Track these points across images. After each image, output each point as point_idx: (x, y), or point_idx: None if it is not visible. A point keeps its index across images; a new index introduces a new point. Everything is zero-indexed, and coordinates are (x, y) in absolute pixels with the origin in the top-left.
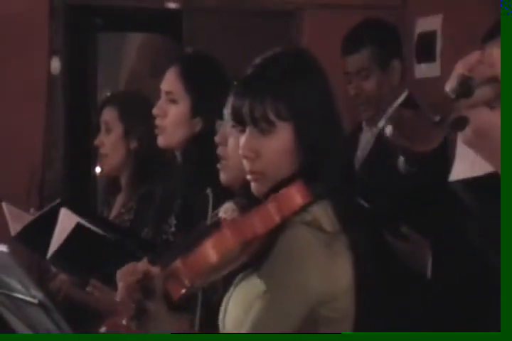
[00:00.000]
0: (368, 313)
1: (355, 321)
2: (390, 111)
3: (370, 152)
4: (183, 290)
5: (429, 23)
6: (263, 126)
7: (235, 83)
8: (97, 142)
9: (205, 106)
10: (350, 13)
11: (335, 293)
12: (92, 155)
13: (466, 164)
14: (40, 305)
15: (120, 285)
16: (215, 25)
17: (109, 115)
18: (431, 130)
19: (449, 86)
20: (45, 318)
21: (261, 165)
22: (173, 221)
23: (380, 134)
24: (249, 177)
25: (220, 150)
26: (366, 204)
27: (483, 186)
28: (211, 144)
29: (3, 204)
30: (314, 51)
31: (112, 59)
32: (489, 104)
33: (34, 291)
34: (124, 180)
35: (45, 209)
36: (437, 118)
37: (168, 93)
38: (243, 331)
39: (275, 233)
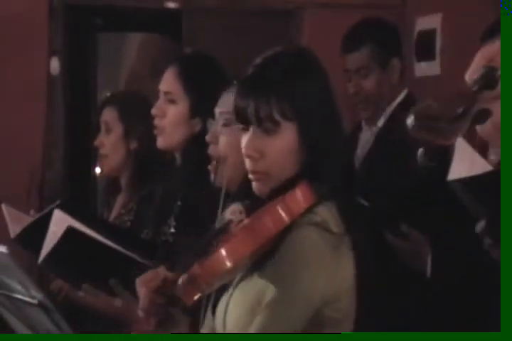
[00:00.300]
0: (368, 313)
1: (356, 321)
2: (389, 110)
3: (370, 151)
4: (198, 295)
5: (429, 22)
6: (268, 126)
7: (235, 83)
8: (96, 142)
9: (204, 106)
10: (350, 12)
11: (338, 294)
12: (92, 156)
13: (465, 163)
14: (40, 305)
15: (142, 291)
16: (215, 25)
17: (109, 115)
18: (454, 123)
19: (470, 76)
20: (45, 319)
21: (265, 165)
22: (172, 222)
23: (380, 133)
24: (251, 176)
25: (211, 149)
26: (366, 203)
27: (481, 185)
28: None
29: (3, 206)
30: (314, 50)
31: (111, 59)
32: None
33: (34, 292)
34: (124, 181)
35: (45, 211)
36: (460, 110)
37: (166, 93)
38: (250, 331)
39: (280, 234)
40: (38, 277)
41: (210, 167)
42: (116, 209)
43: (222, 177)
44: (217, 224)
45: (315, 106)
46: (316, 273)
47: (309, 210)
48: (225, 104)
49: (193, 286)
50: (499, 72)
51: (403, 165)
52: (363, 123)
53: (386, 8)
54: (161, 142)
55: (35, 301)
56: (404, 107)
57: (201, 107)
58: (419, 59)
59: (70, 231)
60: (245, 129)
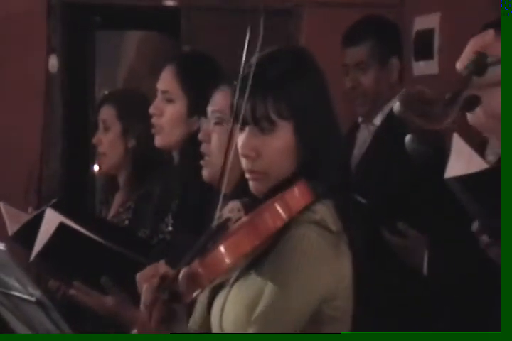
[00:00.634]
0: (365, 311)
1: (353, 319)
2: (387, 109)
3: (367, 150)
4: (197, 292)
5: (427, 21)
6: (264, 126)
7: (235, 83)
8: (95, 140)
9: (201, 105)
10: (348, 11)
11: (337, 292)
12: (90, 154)
13: (462, 161)
14: (38, 303)
15: (145, 287)
16: (213, 23)
17: (107, 113)
18: (441, 108)
19: (461, 63)
20: (43, 317)
21: (262, 164)
22: (170, 220)
23: (377, 132)
24: (248, 176)
25: (203, 148)
26: (363, 201)
27: (478, 183)
28: None
29: (1, 204)
30: (313, 49)
31: (110, 57)
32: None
33: (32, 289)
34: (122, 179)
35: (42, 209)
36: (448, 95)
37: (164, 92)
38: (250, 330)
39: (278, 232)
40: (36, 275)
41: (202, 162)
42: (115, 208)
43: (214, 173)
44: (216, 222)
45: (311, 105)
46: (315, 271)
47: (307, 208)
48: (217, 102)
49: (193, 283)
50: (490, 59)
51: (401, 164)
52: (360, 121)
53: (384, 7)
54: (158, 141)
55: (33, 299)
56: None
57: (199, 106)
58: (418, 58)
59: (61, 228)
60: (241, 129)
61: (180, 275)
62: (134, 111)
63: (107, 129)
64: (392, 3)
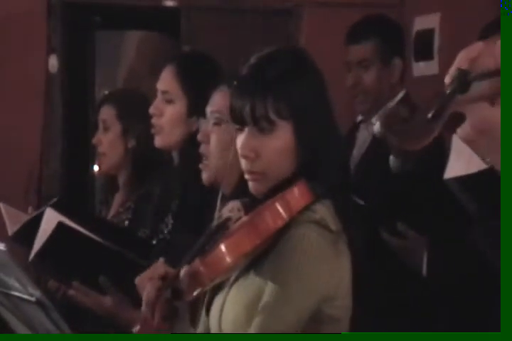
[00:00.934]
0: (365, 311)
1: (353, 319)
2: (386, 109)
3: (367, 150)
4: (198, 291)
5: (427, 21)
6: (263, 126)
7: (235, 83)
8: (94, 141)
9: (201, 105)
10: (348, 11)
11: (337, 291)
12: (89, 154)
13: (462, 161)
14: (38, 303)
15: (147, 287)
16: (213, 23)
17: (107, 113)
18: (423, 127)
19: (449, 78)
20: (43, 317)
21: (261, 165)
22: (170, 220)
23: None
24: (248, 177)
25: (202, 149)
26: (362, 202)
27: (478, 184)
28: None
29: (1, 204)
30: (313, 49)
31: (110, 57)
32: (489, 99)
33: (32, 289)
34: (121, 179)
35: (42, 208)
36: (430, 114)
37: (164, 92)
38: (250, 330)
39: (277, 232)
40: (36, 275)
41: (201, 165)
42: (115, 208)
43: (213, 175)
44: (216, 222)
45: (310, 105)
46: (315, 271)
47: (307, 208)
48: (216, 103)
49: (194, 281)
50: (473, 75)
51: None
52: (360, 120)
53: (384, 7)
54: (158, 141)
55: (33, 299)
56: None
57: (199, 106)
58: (418, 58)
59: (60, 227)
60: (240, 130)
61: (181, 274)
62: (134, 111)
63: (106, 129)
64: (392, 3)
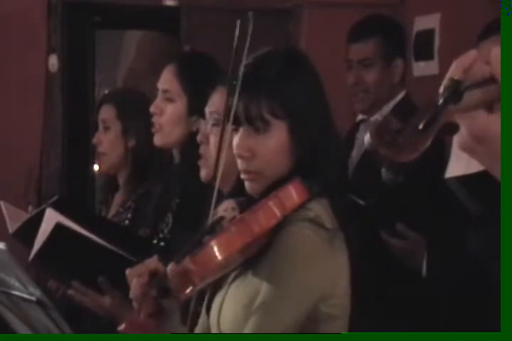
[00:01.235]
0: (364, 311)
1: (353, 319)
2: (386, 109)
3: (366, 151)
4: (190, 290)
5: (428, 22)
6: (258, 125)
7: (235, 83)
8: (95, 140)
9: (202, 105)
10: (348, 11)
11: (334, 290)
12: (89, 154)
13: (462, 161)
14: (39, 302)
15: (134, 282)
16: (213, 23)
17: (107, 113)
18: (414, 138)
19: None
20: (43, 316)
21: (256, 164)
22: (170, 219)
23: None
24: (243, 176)
25: (202, 149)
26: (361, 202)
27: (478, 183)
28: None
29: (1, 203)
30: (313, 49)
31: (110, 57)
32: (485, 107)
33: (32, 289)
34: (122, 179)
35: (42, 206)
36: (421, 125)
37: (164, 91)
38: (248, 329)
39: (272, 230)
40: (36, 274)
41: (199, 162)
42: (115, 207)
43: (211, 173)
44: (210, 221)
45: (305, 104)
46: (310, 269)
47: (302, 206)
48: (215, 103)
49: (184, 280)
50: (463, 86)
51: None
52: (359, 120)
53: (385, 7)
54: (158, 140)
55: (33, 298)
56: (401, 108)
57: (199, 106)
58: (418, 58)
59: (58, 228)
60: (236, 130)
61: (171, 272)
62: (134, 110)
63: (107, 129)
64: (392, 3)
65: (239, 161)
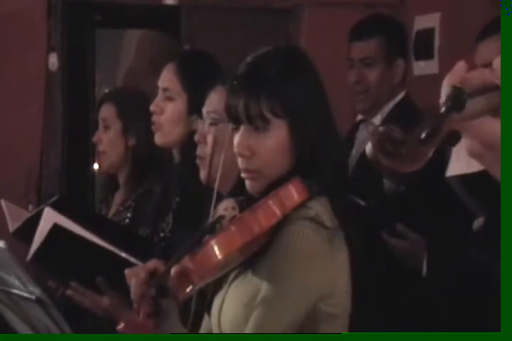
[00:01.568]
0: (364, 311)
1: (353, 320)
2: (387, 109)
3: (368, 159)
4: (189, 289)
5: (428, 21)
6: (258, 124)
7: (235, 83)
8: (95, 139)
9: (202, 104)
10: (348, 10)
11: (334, 289)
12: (89, 153)
13: (463, 160)
14: (38, 301)
15: (133, 282)
16: (213, 22)
17: (107, 112)
18: (417, 148)
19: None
20: (43, 315)
21: (257, 163)
22: (170, 219)
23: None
24: (244, 175)
25: (199, 149)
26: (362, 203)
27: (478, 182)
28: None
29: (2, 202)
30: (313, 48)
31: (110, 55)
32: (491, 113)
33: (32, 287)
34: (122, 178)
35: (43, 205)
36: (423, 135)
37: (165, 90)
38: (249, 328)
39: (272, 229)
40: (36, 273)
41: (197, 161)
42: (115, 206)
43: (210, 175)
44: (210, 220)
45: (305, 103)
46: (310, 268)
47: (303, 205)
48: (212, 103)
49: (184, 279)
50: (465, 93)
51: None
52: (359, 120)
53: (385, 6)
54: (158, 139)
55: (32, 297)
56: (401, 108)
57: (199, 105)
58: (418, 58)
59: (55, 229)
60: (236, 129)
61: (172, 272)
62: (134, 109)
63: (107, 128)
64: (392, 3)
65: (239, 160)
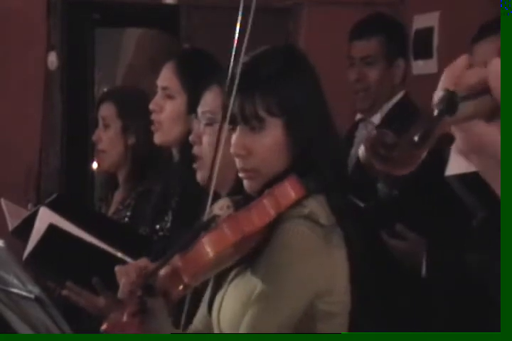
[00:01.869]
0: (364, 311)
1: (353, 320)
2: (386, 108)
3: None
4: (181, 288)
5: (427, 20)
6: (254, 124)
7: (228, 82)
8: (94, 138)
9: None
10: (347, 9)
11: (332, 287)
12: (89, 151)
13: (462, 160)
14: (37, 300)
15: (122, 281)
16: (213, 21)
17: (107, 111)
18: (409, 151)
19: (435, 98)
20: (42, 314)
21: (253, 162)
22: (169, 218)
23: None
24: (241, 175)
25: (195, 150)
26: (361, 204)
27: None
28: None
29: (1, 200)
30: (312, 47)
31: (109, 54)
32: (486, 117)
33: (31, 286)
34: (121, 177)
35: (40, 205)
36: (416, 138)
37: (164, 88)
38: (243, 326)
39: (269, 228)
40: (35, 272)
41: (195, 165)
42: (114, 205)
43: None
44: (205, 218)
45: (301, 102)
46: (306, 266)
47: (298, 203)
48: (207, 103)
49: (175, 278)
50: (458, 96)
51: None
52: (359, 119)
53: (384, 5)
54: (158, 137)
55: (31, 296)
56: (400, 107)
57: (198, 104)
58: (417, 57)
59: (51, 229)
60: (233, 129)
61: (162, 271)
62: (134, 108)
63: (106, 126)
64: (391, 2)
65: (236, 160)
